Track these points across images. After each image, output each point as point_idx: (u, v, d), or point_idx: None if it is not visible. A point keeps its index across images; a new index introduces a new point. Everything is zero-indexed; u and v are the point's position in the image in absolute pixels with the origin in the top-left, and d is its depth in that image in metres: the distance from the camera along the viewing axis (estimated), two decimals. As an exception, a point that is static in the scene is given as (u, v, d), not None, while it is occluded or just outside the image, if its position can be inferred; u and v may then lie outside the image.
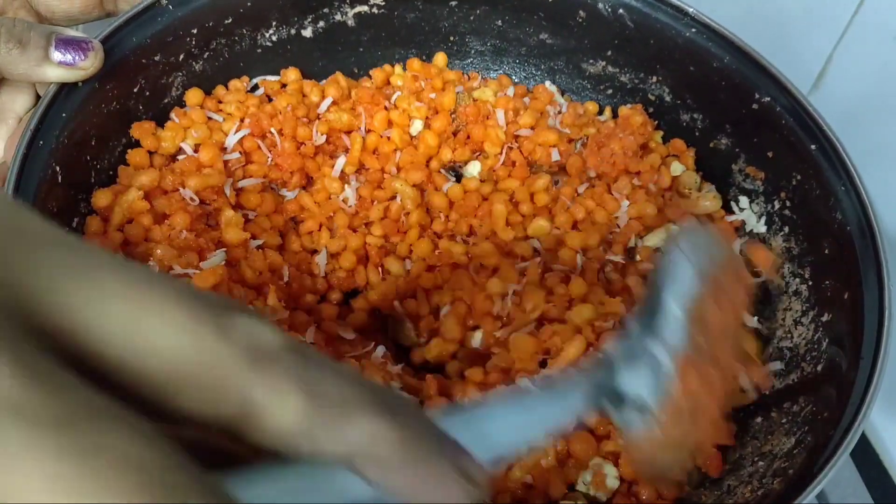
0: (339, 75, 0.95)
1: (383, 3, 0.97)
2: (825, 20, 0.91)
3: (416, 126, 0.93)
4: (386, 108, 0.94)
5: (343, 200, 0.88)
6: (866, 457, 0.92)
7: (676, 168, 0.93)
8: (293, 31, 0.94)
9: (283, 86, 0.94)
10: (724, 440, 0.72)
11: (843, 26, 0.89)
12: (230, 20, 0.88)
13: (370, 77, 0.98)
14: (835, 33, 0.90)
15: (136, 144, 0.83)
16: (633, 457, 0.53)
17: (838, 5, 0.89)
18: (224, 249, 0.77)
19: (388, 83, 0.97)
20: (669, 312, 0.46)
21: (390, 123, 0.93)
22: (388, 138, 0.92)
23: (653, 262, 0.62)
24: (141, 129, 0.81)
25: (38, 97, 0.76)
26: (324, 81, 0.96)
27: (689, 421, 0.46)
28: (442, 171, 0.93)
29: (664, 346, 0.45)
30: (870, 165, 0.77)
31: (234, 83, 0.91)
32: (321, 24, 0.96)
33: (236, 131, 0.86)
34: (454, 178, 0.94)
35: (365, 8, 0.97)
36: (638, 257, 0.90)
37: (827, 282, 0.78)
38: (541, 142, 0.94)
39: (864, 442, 0.93)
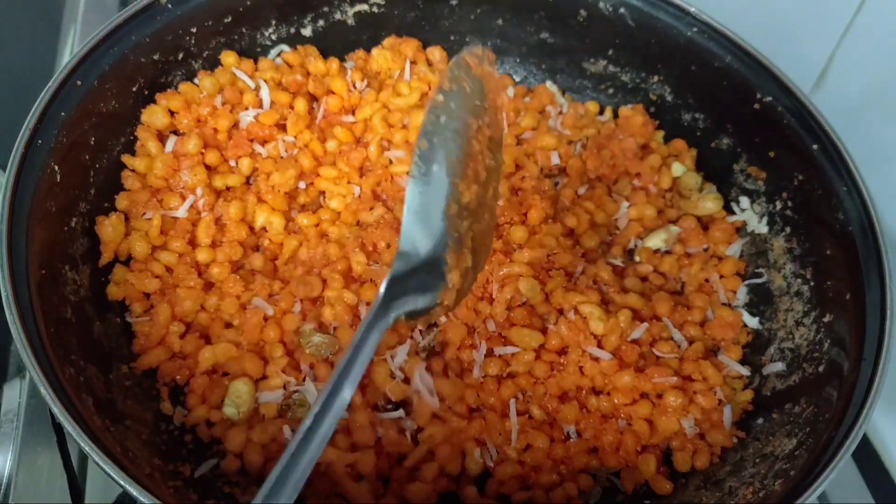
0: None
1: (383, 3, 0.96)
2: (827, 20, 0.91)
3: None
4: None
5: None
6: (868, 457, 0.91)
7: (677, 169, 0.93)
8: (293, 30, 0.94)
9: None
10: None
11: (844, 26, 0.89)
12: (229, 19, 0.88)
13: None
14: (836, 33, 0.90)
15: (134, 144, 0.83)
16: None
17: (840, 5, 0.88)
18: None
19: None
20: (429, 229, 0.61)
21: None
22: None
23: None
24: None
25: None
26: (351, 65, 0.97)
27: (468, 282, 0.65)
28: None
29: (435, 247, 0.61)
30: (872, 165, 0.77)
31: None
32: (321, 22, 0.95)
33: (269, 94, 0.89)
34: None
35: (365, 7, 0.96)
36: (637, 258, 0.90)
37: (829, 282, 0.78)
38: (541, 146, 0.94)
39: (865, 442, 0.92)
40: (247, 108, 0.88)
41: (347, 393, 0.55)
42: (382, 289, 0.60)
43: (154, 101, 0.84)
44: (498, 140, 0.68)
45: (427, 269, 0.62)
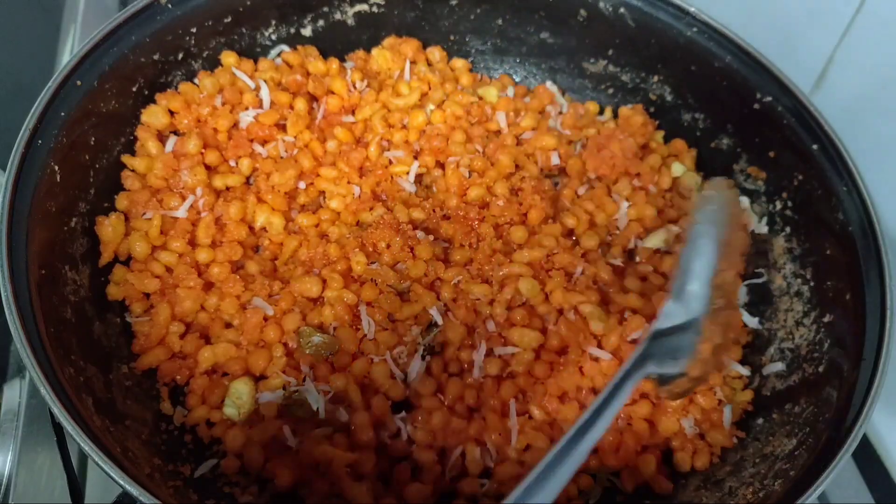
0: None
1: (383, 3, 0.96)
2: (827, 19, 0.91)
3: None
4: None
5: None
6: (868, 457, 0.91)
7: (677, 169, 0.93)
8: (292, 30, 0.94)
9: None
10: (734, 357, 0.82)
11: (844, 25, 0.89)
12: (229, 19, 0.88)
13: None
14: (837, 32, 0.90)
15: (134, 144, 0.83)
16: (666, 394, 0.69)
17: (840, 4, 0.88)
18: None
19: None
20: (694, 290, 0.65)
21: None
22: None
23: (685, 235, 0.69)
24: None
25: None
26: (351, 65, 0.97)
27: (711, 359, 0.65)
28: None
29: (695, 313, 0.65)
30: (872, 164, 0.77)
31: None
32: (321, 22, 0.95)
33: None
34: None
35: (365, 7, 0.96)
36: (637, 259, 0.89)
37: (829, 282, 0.78)
38: (540, 146, 0.94)
39: (865, 442, 0.92)
40: (247, 109, 0.88)
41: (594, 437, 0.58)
42: (648, 335, 0.65)
43: (154, 102, 0.84)
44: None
45: (681, 333, 0.65)
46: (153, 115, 0.83)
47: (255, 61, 0.92)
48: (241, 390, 0.73)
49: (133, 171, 0.81)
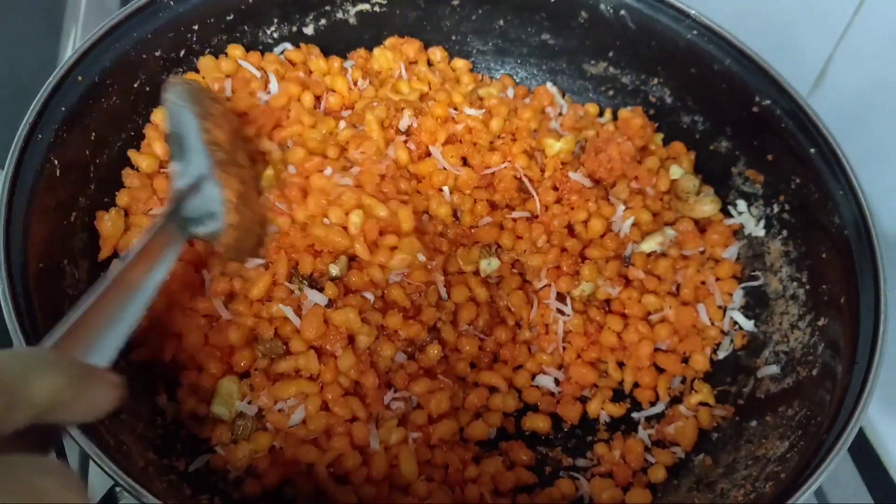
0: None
1: (385, 2, 0.97)
2: (825, 21, 0.91)
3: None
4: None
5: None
6: (866, 457, 0.91)
7: (675, 171, 0.93)
8: (294, 29, 0.95)
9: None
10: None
11: (843, 27, 0.88)
12: (231, 17, 0.89)
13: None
14: (835, 34, 0.90)
15: (135, 140, 0.83)
16: (223, 248, 0.73)
17: (838, 6, 0.88)
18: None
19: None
20: (190, 146, 0.72)
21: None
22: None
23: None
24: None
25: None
26: (352, 63, 0.98)
27: (244, 208, 0.73)
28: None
29: (201, 168, 0.72)
30: (869, 167, 0.77)
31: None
32: (322, 21, 0.96)
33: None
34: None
35: (367, 6, 0.97)
36: (632, 264, 0.89)
37: (824, 286, 0.78)
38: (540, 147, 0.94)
39: (864, 442, 0.92)
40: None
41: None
42: (172, 198, 0.71)
43: (156, 98, 0.84)
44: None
45: (202, 189, 0.72)
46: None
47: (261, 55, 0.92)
48: (231, 389, 0.73)
49: (136, 168, 0.81)
